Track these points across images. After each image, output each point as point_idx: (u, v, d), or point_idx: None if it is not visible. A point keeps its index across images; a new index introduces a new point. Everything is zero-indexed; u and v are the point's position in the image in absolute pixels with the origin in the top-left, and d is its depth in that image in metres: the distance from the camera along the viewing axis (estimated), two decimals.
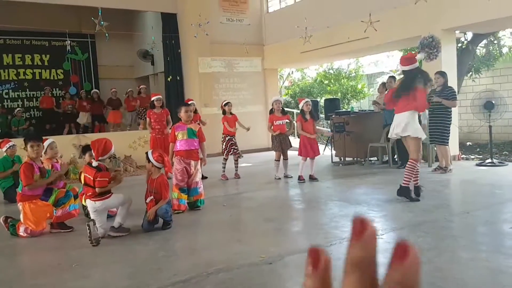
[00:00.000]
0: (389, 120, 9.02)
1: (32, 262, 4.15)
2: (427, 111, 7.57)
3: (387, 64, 19.22)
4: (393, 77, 9.67)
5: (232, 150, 8.23)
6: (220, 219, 5.30)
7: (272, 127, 7.91)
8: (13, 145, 7.11)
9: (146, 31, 14.03)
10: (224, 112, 8.44)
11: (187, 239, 4.54)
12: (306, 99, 7.84)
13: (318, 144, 7.73)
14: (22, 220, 4.83)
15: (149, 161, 5.00)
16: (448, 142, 7.90)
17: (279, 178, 7.90)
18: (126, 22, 14.19)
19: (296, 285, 3.15)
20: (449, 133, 7.91)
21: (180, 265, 3.65)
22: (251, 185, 7.71)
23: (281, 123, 8.00)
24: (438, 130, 7.86)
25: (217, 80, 13.05)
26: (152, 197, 4.90)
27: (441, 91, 7.76)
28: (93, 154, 4.68)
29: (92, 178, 4.56)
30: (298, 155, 7.58)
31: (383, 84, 9.93)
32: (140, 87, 12.78)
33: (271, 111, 8.12)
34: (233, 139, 8.30)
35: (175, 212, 5.42)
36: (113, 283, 3.32)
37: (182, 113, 5.89)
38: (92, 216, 4.56)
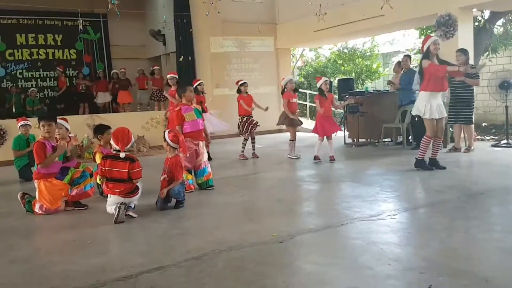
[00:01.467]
0: (404, 101, 8.93)
1: (48, 240, 4.22)
2: (448, 90, 7.43)
3: (403, 42, 18.84)
4: (408, 56, 9.49)
5: (251, 129, 8.20)
6: (232, 199, 5.32)
7: (287, 105, 7.91)
8: (26, 124, 7.19)
9: (158, 10, 13.94)
10: (239, 91, 8.39)
11: (200, 218, 4.57)
12: (325, 78, 7.75)
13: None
14: (37, 197, 4.91)
15: (165, 140, 5.02)
16: (473, 121, 7.81)
17: (297, 158, 7.93)
18: (138, 1, 14.09)
19: (306, 263, 3.16)
20: (473, 111, 7.81)
21: (192, 243, 3.68)
22: (262, 166, 7.71)
23: (295, 101, 8.02)
24: (462, 110, 7.73)
25: (229, 60, 12.96)
26: (165, 175, 4.94)
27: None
28: (117, 146, 4.59)
29: (126, 171, 4.53)
30: (315, 133, 7.53)
31: (399, 63, 9.77)
32: (153, 67, 12.74)
33: (283, 91, 8.08)
34: (251, 118, 8.26)
35: (186, 192, 5.45)
36: (128, 259, 3.37)
37: (188, 93, 5.88)
38: (111, 208, 4.54)
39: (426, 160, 6.32)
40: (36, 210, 4.87)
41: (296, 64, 20.64)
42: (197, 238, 3.85)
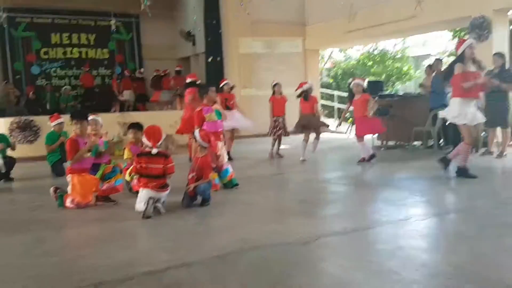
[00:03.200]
0: (435, 104, 8.73)
1: (78, 233, 4.32)
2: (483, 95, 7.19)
3: (435, 45, 18.45)
4: (440, 60, 9.29)
5: (279, 131, 8.21)
6: (257, 198, 5.33)
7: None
8: (62, 122, 7.39)
9: (188, 11, 14.10)
10: (273, 93, 8.43)
11: (224, 217, 4.60)
12: (358, 80, 7.76)
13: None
14: (69, 192, 5.05)
15: (195, 140, 5.09)
16: (508, 125, 7.58)
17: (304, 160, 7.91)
18: (169, 2, 14.29)
19: (331, 266, 3.14)
20: (508, 115, 7.57)
21: (217, 241, 3.71)
22: (289, 166, 7.70)
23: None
24: (498, 113, 7.49)
25: (257, 61, 12.99)
26: (194, 174, 5.00)
27: (499, 73, 7.38)
28: (149, 143, 4.69)
29: (162, 167, 4.63)
30: (356, 134, 7.50)
31: (430, 66, 9.57)
32: (177, 67, 12.87)
33: (306, 96, 8.04)
34: (280, 119, 8.26)
35: (212, 191, 5.49)
36: (154, 255, 3.43)
37: (210, 94, 5.94)
38: (143, 202, 4.60)
39: (468, 168, 5.94)
40: (68, 204, 5.01)
41: (324, 65, 20.51)
42: (222, 236, 3.87)
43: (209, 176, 5.09)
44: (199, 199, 4.98)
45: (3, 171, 7.02)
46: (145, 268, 3.12)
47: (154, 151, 4.65)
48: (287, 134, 8.36)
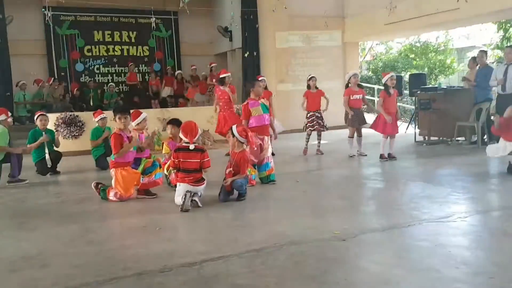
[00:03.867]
0: (479, 98, 8.42)
1: (120, 225, 4.48)
2: None
3: (479, 37, 17.74)
4: (484, 52, 8.93)
5: (316, 125, 8.10)
6: (293, 194, 5.33)
7: (348, 102, 7.68)
8: (104, 117, 7.64)
9: (226, 7, 14.19)
10: (308, 87, 8.29)
11: (261, 212, 4.63)
12: (392, 73, 7.46)
13: (401, 121, 7.41)
14: (113, 185, 5.22)
15: (233, 135, 5.14)
16: None
17: (353, 156, 7.73)
18: None
19: (369, 263, 3.10)
20: None
21: (254, 235, 3.75)
22: (326, 162, 7.63)
23: (358, 98, 7.74)
24: None
25: (294, 55, 12.90)
26: (231, 168, 5.06)
27: None
28: (187, 139, 4.80)
29: (198, 161, 4.74)
30: (377, 131, 7.32)
31: (474, 58, 9.23)
32: (211, 65, 12.95)
33: (347, 85, 7.88)
34: (317, 113, 8.14)
35: (248, 186, 5.52)
36: (193, 247, 3.51)
37: (257, 88, 5.95)
38: (181, 195, 4.71)
39: None
40: (111, 198, 5.19)
41: (364, 58, 20.14)
42: (259, 231, 3.90)
43: (246, 171, 5.14)
44: (236, 193, 5.03)
45: (49, 165, 7.34)
46: (184, 259, 3.20)
47: (192, 146, 4.75)
48: (325, 129, 8.19)
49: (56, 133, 8.06)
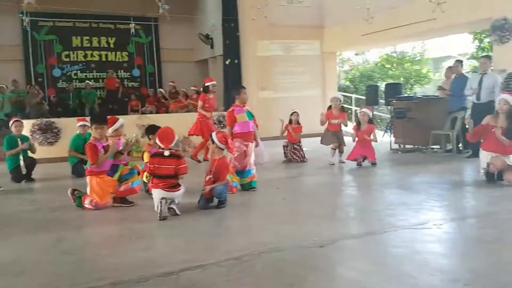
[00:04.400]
0: (454, 107, 8.61)
1: (96, 234, 4.39)
2: None
3: (455, 47, 18.19)
4: (460, 61, 9.16)
5: (294, 157, 8.20)
6: (273, 201, 5.34)
7: (327, 125, 7.87)
8: (85, 124, 7.44)
9: (207, 14, 14.21)
10: (290, 122, 8.38)
11: (241, 219, 4.62)
12: (363, 109, 7.85)
13: (376, 130, 7.57)
14: (88, 193, 5.13)
15: (213, 142, 5.12)
16: None
17: (333, 164, 7.81)
18: (188, 5, 14.43)
19: (347, 269, 3.13)
20: None
21: (233, 243, 3.73)
22: (307, 170, 7.68)
23: (337, 122, 7.88)
24: None
25: (275, 63, 13.00)
26: (210, 176, 5.03)
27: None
28: (162, 145, 4.76)
29: (173, 167, 4.69)
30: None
31: (450, 68, 9.46)
32: (197, 87, 12.91)
33: (330, 107, 8.01)
34: (296, 146, 8.26)
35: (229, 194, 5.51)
36: (171, 256, 3.47)
37: (242, 95, 5.99)
38: (157, 203, 4.66)
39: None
40: (86, 205, 5.10)
41: (343, 68, 20.41)
42: (238, 238, 3.89)
43: (226, 178, 5.12)
44: (216, 201, 5.01)
45: (24, 172, 7.18)
46: (162, 269, 3.16)
47: (166, 153, 4.72)
48: (304, 159, 8.26)
49: (31, 139, 7.90)
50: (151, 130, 5.81)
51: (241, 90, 6.11)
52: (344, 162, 7.81)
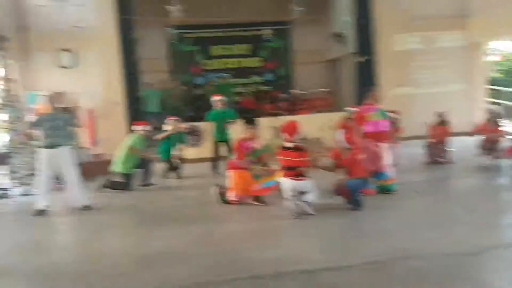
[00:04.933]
0: None
1: (237, 229, 4.60)
2: None
3: None
4: None
5: (438, 158, 7.56)
6: (413, 205, 5.04)
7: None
8: (145, 129, 7.54)
9: (339, 12, 14.02)
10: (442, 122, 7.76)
11: (377, 222, 4.44)
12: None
13: None
14: (230, 186, 5.44)
15: (339, 141, 5.07)
16: None
17: (486, 166, 6.98)
18: (319, 5, 14.41)
19: (502, 281, 2.78)
20: None
21: (370, 247, 3.60)
22: (451, 172, 7.04)
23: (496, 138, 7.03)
24: None
25: (413, 58, 12.24)
26: (343, 176, 4.96)
27: None
28: (287, 137, 4.89)
29: (296, 159, 4.81)
30: None
31: None
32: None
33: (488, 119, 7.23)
34: (441, 146, 7.60)
35: (365, 195, 5.33)
36: (306, 254, 3.50)
37: (374, 93, 5.76)
38: (287, 192, 4.81)
39: None
40: (230, 198, 5.40)
41: (491, 59, 18.36)
42: (375, 242, 3.75)
43: (363, 174, 4.98)
44: (350, 205, 4.89)
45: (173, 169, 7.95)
46: (298, 266, 3.20)
47: (290, 144, 4.81)
48: (448, 162, 7.49)
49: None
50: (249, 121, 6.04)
51: (373, 88, 5.88)
52: (498, 163, 6.92)
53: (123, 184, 6.80)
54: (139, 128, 7.29)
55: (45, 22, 10.60)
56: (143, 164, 7.08)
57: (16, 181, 7.26)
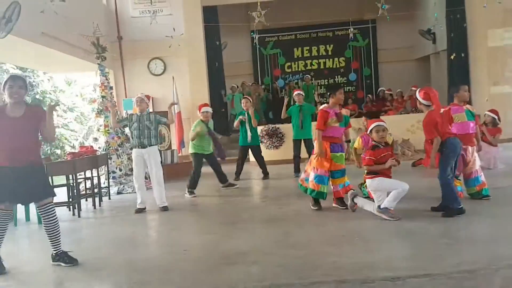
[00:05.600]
0: None
1: (319, 231, 4.50)
2: None
3: None
4: None
5: None
6: (510, 212, 4.61)
7: None
8: (207, 111, 7.23)
9: (428, 8, 13.37)
10: None
11: (471, 229, 4.13)
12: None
13: None
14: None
15: (419, 102, 4.88)
16: None
17: None
18: (407, 2, 13.85)
19: None
20: None
21: (464, 255, 3.36)
22: None
23: None
24: None
25: (510, 54, 11.30)
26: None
27: None
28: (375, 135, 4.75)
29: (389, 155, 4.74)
30: None
31: None
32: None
33: None
34: None
35: None
36: (395, 261, 3.35)
37: (461, 93, 5.35)
38: (373, 194, 4.71)
39: None
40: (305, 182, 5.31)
41: None
42: (469, 250, 3.49)
43: (436, 135, 4.63)
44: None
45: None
46: (386, 273, 3.07)
47: (381, 143, 4.72)
48: None
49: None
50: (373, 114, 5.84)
51: (460, 87, 5.45)
52: None
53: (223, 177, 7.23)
54: (202, 111, 7.18)
55: (138, 32, 11.42)
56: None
57: (113, 180, 7.87)
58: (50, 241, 3.87)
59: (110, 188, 7.60)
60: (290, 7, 13.84)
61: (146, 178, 6.45)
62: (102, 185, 7.31)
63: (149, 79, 11.78)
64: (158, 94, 11.42)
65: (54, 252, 3.88)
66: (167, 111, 6.42)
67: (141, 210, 5.96)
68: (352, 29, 11.75)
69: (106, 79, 8.31)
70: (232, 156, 10.97)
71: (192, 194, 6.88)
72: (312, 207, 5.25)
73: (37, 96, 15.02)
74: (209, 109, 7.26)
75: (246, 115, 7.95)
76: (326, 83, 15.43)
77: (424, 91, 4.82)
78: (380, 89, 13.82)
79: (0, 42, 6.21)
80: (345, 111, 5.58)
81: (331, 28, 15.34)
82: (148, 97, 6.41)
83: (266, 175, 8.16)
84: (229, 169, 7.85)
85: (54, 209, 3.87)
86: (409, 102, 11.97)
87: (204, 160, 7.07)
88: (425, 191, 5.57)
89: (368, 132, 4.96)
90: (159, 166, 6.00)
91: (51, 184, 4.11)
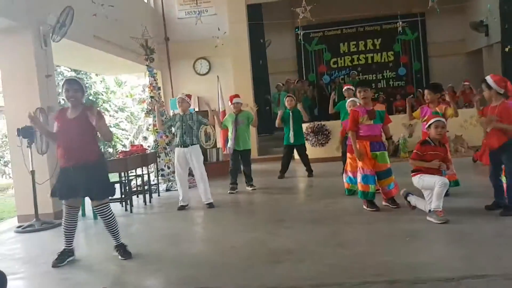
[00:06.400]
0: None
1: (367, 231, 4.42)
2: None
3: None
4: None
5: None
6: None
7: None
8: (238, 102, 7.27)
9: (481, 0, 12.77)
10: None
11: None
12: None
13: None
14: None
15: (489, 88, 4.60)
16: None
17: None
18: None
19: None
20: None
21: None
22: None
23: None
24: None
25: None
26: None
27: None
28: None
29: (443, 155, 4.63)
30: None
31: None
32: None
33: None
34: None
35: None
36: (448, 261, 3.25)
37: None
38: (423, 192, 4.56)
39: None
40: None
41: None
42: None
43: None
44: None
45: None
46: (439, 273, 2.98)
47: (434, 140, 4.60)
48: None
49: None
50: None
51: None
52: None
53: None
54: (233, 102, 7.21)
55: (184, 33, 11.65)
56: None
57: (162, 177, 8.09)
58: (110, 235, 4.09)
59: (159, 185, 7.83)
60: (335, 1, 13.63)
61: (190, 175, 6.60)
62: (152, 182, 7.55)
63: (195, 79, 11.98)
64: (203, 93, 11.60)
65: (115, 243, 4.11)
66: (210, 111, 6.56)
67: (183, 208, 6.08)
68: (400, 23, 11.40)
69: (155, 80, 8.53)
70: (274, 154, 11.00)
71: (252, 187, 7.17)
72: (367, 208, 5.06)
73: (90, 97, 15.70)
74: (240, 100, 7.33)
75: (291, 113, 7.91)
76: (374, 77, 15.07)
77: (500, 76, 4.59)
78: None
79: (55, 46, 6.51)
80: (379, 107, 5.34)
81: (378, 22, 14.96)
82: (189, 96, 6.51)
83: (310, 172, 8.11)
84: (271, 167, 7.87)
85: (109, 207, 4.05)
86: (462, 98, 11.53)
87: (239, 156, 7.22)
88: (482, 189, 5.34)
89: (426, 127, 4.80)
90: (201, 164, 6.11)
91: (111, 182, 4.29)
